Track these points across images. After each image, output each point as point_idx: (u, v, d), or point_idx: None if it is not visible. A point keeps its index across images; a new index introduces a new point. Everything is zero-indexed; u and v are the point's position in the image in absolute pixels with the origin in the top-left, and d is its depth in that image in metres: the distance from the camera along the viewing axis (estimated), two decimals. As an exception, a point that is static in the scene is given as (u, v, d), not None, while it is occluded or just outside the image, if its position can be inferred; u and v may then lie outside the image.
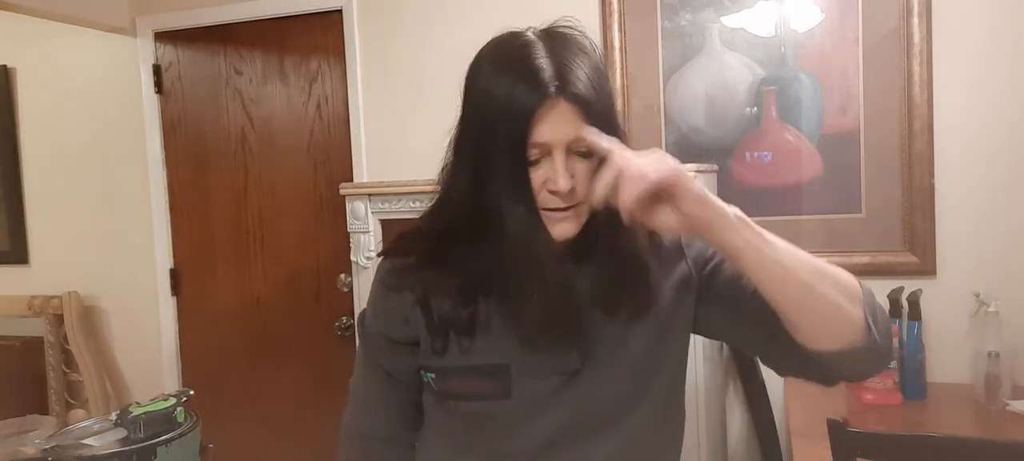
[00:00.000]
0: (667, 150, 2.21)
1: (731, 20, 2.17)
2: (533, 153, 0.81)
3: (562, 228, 0.84)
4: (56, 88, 3.09)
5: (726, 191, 2.16)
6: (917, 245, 2.03)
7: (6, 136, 3.16)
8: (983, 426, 1.71)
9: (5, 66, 3.15)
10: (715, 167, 2.10)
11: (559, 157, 0.80)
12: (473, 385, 0.92)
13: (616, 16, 2.25)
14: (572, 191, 0.81)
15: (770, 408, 2.05)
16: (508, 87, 0.81)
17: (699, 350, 1.72)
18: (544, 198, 0.83)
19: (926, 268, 2.02)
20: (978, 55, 1.97)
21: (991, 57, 1.97)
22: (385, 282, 0.99)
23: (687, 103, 2.22)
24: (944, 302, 2.02)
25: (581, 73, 0.81)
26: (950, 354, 2.01)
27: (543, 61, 0.81)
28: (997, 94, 1.96)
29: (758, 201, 2.15)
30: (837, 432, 1.22)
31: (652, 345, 0.93)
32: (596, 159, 0.80)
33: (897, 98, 2.03)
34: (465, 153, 0.88)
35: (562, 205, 0.83)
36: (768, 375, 2.10)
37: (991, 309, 1.84)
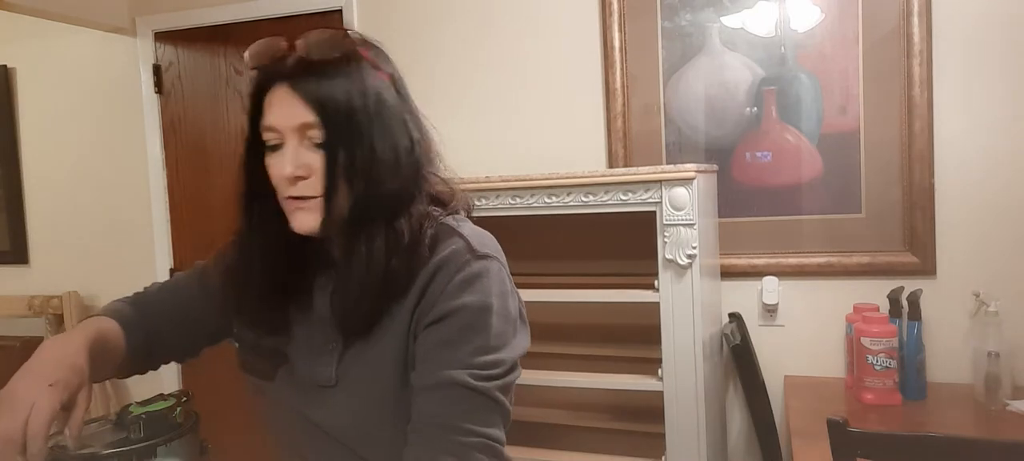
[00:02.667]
0: (667, 150, 2.22)
1: (731, 20, 2.17)
2: (269, 137, 0.83)
3: (300, 218, 0.84)
4: (56, 88, 3.09)
5: (726, 191, 2.15)
6: (917, 245, 2.03)
7: (6, 136, 3.16)
8: (983, 426, 1.71)
9: (5, 66, 3.15)
10: (715, 167, 2.10)
11: (290, 143, 0.81)
12: (250, 359, 0.97)
13: (616, 16, 2.24)
14: (301, 180, 0.82)
15: (770, 408, 2.05)
16: (255, 76, 0.86)
17: (698, 349, 1.72)
18: (282, 187, 0.83)
19: (926, 268, 2.02)
20: (978, 55, 1.97)
21: (990, 57, 1.96)
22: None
23: (687, 103, 2.22)
24: (944, 302, 2.02)
25: (324, 68, 0.81)
26: (950, 354, 2.01)
27: (287, 54, 0.83)
28: (996, 94, 1.96)
29: (758, 201, 2.15)
30: (837, 432, 1.21)
31: (381, 372, 0.85)
32: (337, 152, 0.81)
33: (897, 98, 2.03)
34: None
35: (296, 194, 0.82)
36: (768, 374, 2.10)
37: (991, 309, 1.83)
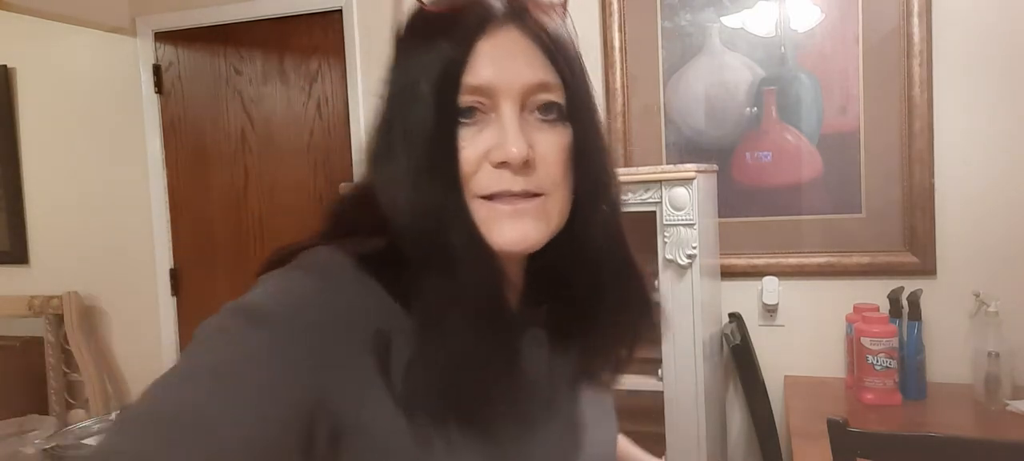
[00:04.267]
0: (667, 150, 2.22)
1: (731, 20, 2.17)
2: (473, 101, 0.55)
3: (516, 228, 0.56)
4: (56, 88, 3.09)
5: (726, 191, 2.16)
6: (917, 245, 2.03)
7: (6, 136, 3.16)
8: (983, 426, 1.71)
9: (5, 66, 3.15)
10: (715, 167, 2.10)
11: (510, 111, 0.55)
12: None
13: (616, 16, 2.25)
14: (528, 165, 0.55)
15: (770, 407, 2.05)
16: (440, 22, 0.57)
17: (698, 349, 1.72)
18: (484, 179, 0.56)
19: (926, 268, 2.02)
20: (977, 55, 1.97)
21: (990, 57, 1.96)
22: (337, 279, 0.56)
23: (687, 103, 2.22)
24: (944, 302, 2.02)
25: (546, 8, 0.60)
26: (950, 354, 2.01)
27: None
28: (996, 94, 1.96)
29: (758, 201, 2.15)
30: (837, 432, 1.21)
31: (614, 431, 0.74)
32: (569, 130, 0.58)
33: (897, 98, 2.03)
34: (384, 128, 0.60)
35: (515, 189, 0.55)
36: (768, 374, 2.10)
37: (991, 309, 1.83)
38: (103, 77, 3.00)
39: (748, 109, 2.16)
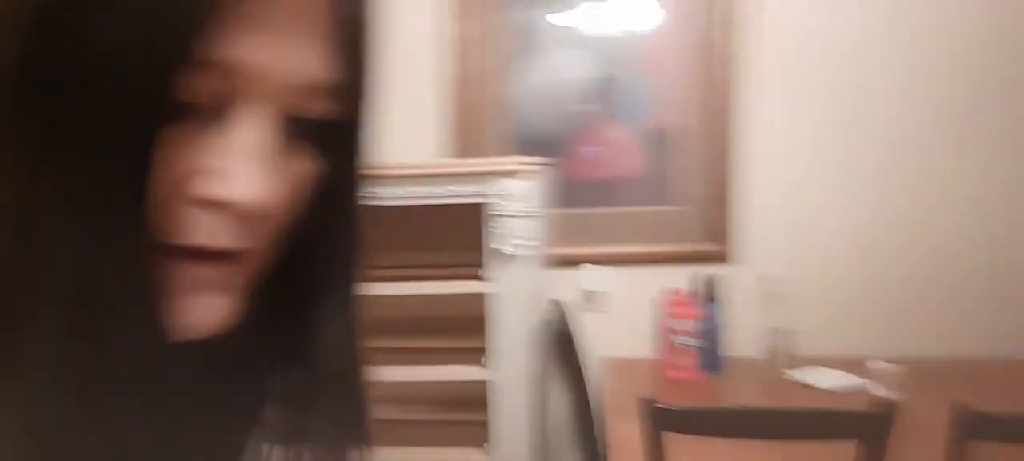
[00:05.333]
0: (507, 144, 2.27)
1: (564, 17, 2.26)
2: (197, 86, 0.32)
3: (200, 305, 0.36)
4: None
5: (560, 184, 2.25)
6: (718, 235, 2.24)
7: None
8: (769, 395, 1.93)
9: None
10: (547, 160, 2.17)
11: (259, 120, 0.34)
12: None
13: (458, 7, 2.25)
14: (251, 219, 0.35)
15: (585, 388, 2.17)
16: None
17: (523, 336, 1.79)
18: (178, 217, 0.34)
19: (727, 255, 2.24)
20: (780, 63, 2.21)
21: (795, 66, 2.21)
22: None
23: (525, 98, 2.28)
24: (741, 286, 2.24)
25: None
26: (745, 332, 2.24)
27: None
28: (794, 101, 2.21)
29: (586, 194, 2.27)
30: (648, 409, 1.32)
31: None
32: (318, 159, 0.39)
33: (707, 100, 2.22)
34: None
35: (218, 244, 0.35)
36: (591, 358, 2.23)
37: (776, 290, 2.07)
38: None
39: (583, 105, 2.27)
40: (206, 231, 0.34)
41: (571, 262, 2.28)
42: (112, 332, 0.32)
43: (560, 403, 2.35)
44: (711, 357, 2.05)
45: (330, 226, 0.42)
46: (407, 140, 2.30)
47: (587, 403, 2.14)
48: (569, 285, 2.30)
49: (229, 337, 0.38)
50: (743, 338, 2.24)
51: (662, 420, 1.31)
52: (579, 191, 2.27)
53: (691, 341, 1.99)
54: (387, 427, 1.97)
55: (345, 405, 0.46)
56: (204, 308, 0.36)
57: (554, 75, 2.27)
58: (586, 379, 2.18)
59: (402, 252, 2.14)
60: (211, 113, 0.33)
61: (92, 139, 0.31)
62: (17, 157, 0.31)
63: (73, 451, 0.32)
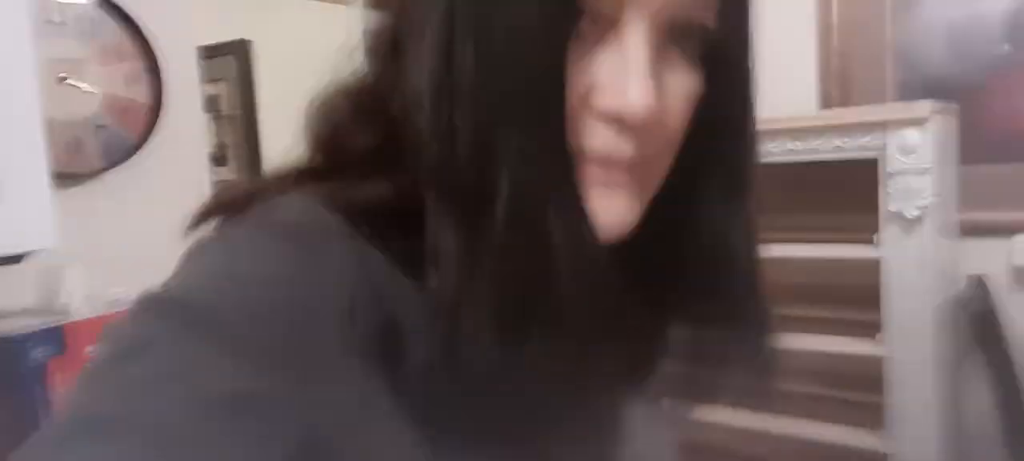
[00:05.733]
0: (895, 91, 1.96)
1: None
2: (587, 22, 0.36)
3: (610, 206, 0.38)
4: (291, 61, 3.36)
5: (969, 136, 1.86)
6: None
7: (247, 108, 3.41)
8: None
9: (244, 39, 3.35)
10: (955, 106, 1.82)
11: (641, 35, 0.36)
12: None
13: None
14: (645, 128, 0.36)
15: (1014, 381, 1.77)
16: None
17: (929, 314, 1.52)
18: (585, 129, 0.37)
19: None
20: None
21: None
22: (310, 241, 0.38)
23: (923, 36, 1.93)
24: None
25: None
26: None
27: None
28: None
29: (1011, 146, 1.83)
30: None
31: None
32: (702, 72, 0.39)
33: None
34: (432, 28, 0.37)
35: (620, 155, 0.37)
36: (1019, 347, 1.81)
37: None
38: (336, 48, 3.20)
39: (1002, 43, 1.84)
40: (609, 141, 0.37)
41: (997, 231, 1.87)
42: (549, 222, 0.36)
43: (981, 396, 1.96)
44: None
45: (720, 143, 0.42)
46: (786, 93, 2.13)
47: (1017, 398, 1.76)
48: (994, 258, 1.89)
49: (634, 251, 0.41)
50: None
51: None
52: (1010, 144, 1.84)
53: None
54: (773, 398, 1.88)
55: (752, 334, 0.47)
56: (615, 207, 0.38)
57: (962, 11, 1.86)
58: (1015, 369, 1.78)
59: (784, 215, 1.99)
60: (606, 25, 0.36)
61: (516, 56, 0.35)
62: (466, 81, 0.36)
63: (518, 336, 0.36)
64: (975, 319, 1.81)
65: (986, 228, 1.88)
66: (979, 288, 1.81)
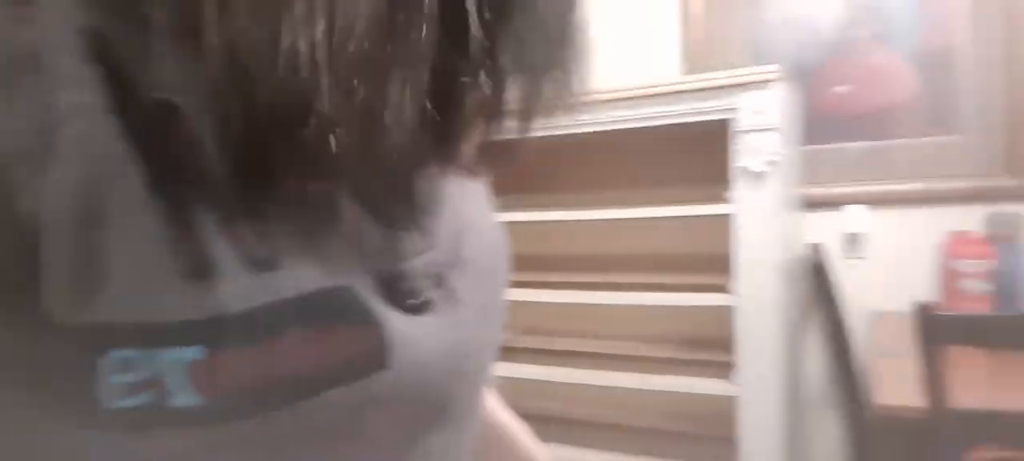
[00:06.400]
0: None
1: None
2: None
3: None
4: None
5: (806, 117, 2.05)
6: (1017, 168, 1.88)
7: None
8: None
9: None
10: (795, 82, 2.01)
11: None
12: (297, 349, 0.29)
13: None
14: None
15: (847, 342, 1.94)
16: None
17: (773, 266, 1.65)
18: None
19: (1029, 194, 1.88)
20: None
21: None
22: None
23: (771, 26, 2.13)
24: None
25: None
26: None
27: None
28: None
29: (845, 129, 2.04)
30: (925, 318, 1.14)
31: None
32: None
33: (1008, 7, 1.89)
34: None
35: None
36: (852, 310, 2.00)
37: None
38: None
39: (836, 27, 2.05)
40: None
41: (830, 204, 2.07)
42: None
43: (818, 357, 2.14)
44: (1007, 306, 1.73)
45: None
46: (640, 64, 2.24)
47: (849, 358, 1.93)
48: (827, 229, 2.08)
49: None
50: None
51: (940, 330, 1.12)
52: (839, 125, 2.05)
53: (982, 285, 1.69)
54: (625, 362, 1.95)
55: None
56: None
57: None
58: (848, 331, 1.96)
59: (638, 178, 2.09)
60: None
61: None
62: None
63: None
64: (813, 277, 1.99)
65: (820, 201, 2.07)
66: (817, 252, 1.99)
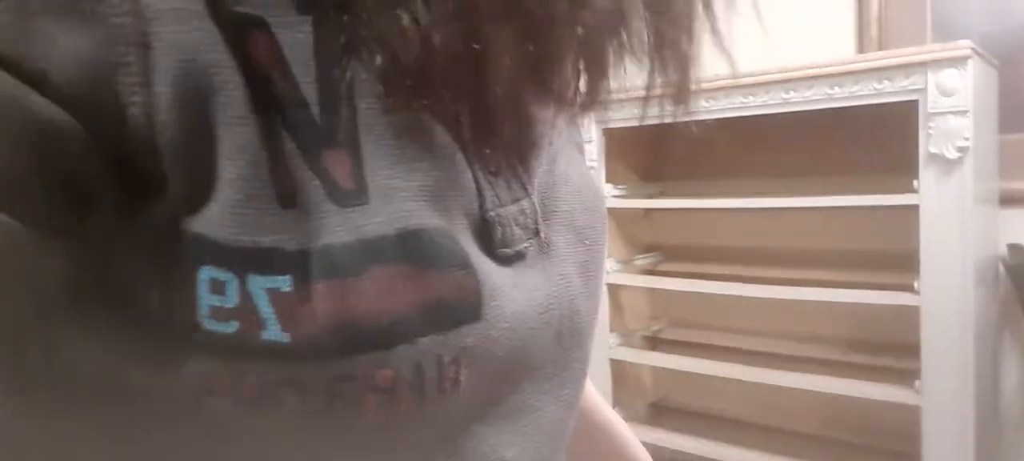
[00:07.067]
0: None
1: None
2: None
3: None
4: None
5: (1010, 102, 1.83)
6: None
7: None
8: None
9: None
10: (996, 61, 1.78)
11: None
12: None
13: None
14: None
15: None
16: None
17: (969, 262, 1.47)
18: None
19: None
20: None
21: None
22: None
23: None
24: None
25: None
26: None
27: None
28: None
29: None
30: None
31: None
32: None
33: None
34: None
35: None
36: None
37: None
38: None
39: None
40: None
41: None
42: None
43: (1017, 370, 1.90)
44: None
45: None
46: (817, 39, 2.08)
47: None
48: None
49: None
50: None
51: None
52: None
53: None
54: (796, 363, 1.83)
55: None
56: None
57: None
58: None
59: (819, 162, 1.94)
60: None
61: None
62: None
63: None
64: (1012, 280, 1.77)
65: (1021, 197, 1.84)
66: (1016, 253, 1.77)
